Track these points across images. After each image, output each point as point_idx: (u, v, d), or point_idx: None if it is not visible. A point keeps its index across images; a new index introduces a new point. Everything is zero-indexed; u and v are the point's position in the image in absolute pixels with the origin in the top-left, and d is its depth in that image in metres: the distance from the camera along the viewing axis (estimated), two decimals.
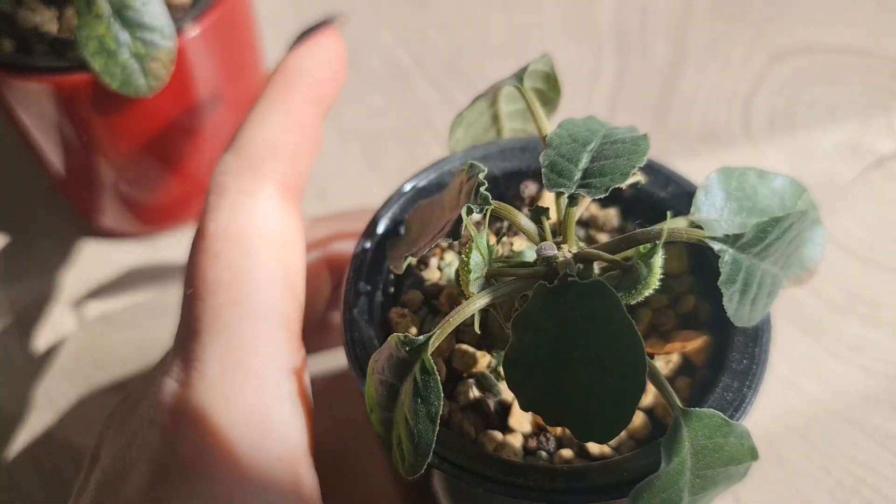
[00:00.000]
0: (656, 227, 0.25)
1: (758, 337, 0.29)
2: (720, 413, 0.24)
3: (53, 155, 0.47)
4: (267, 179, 0.29)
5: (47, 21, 0.44)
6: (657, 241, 0.24)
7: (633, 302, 0.25)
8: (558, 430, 0.29)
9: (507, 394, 0.29)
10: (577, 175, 0.26)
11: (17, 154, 0.56)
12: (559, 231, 0.27)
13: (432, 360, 0.24)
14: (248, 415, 0.26)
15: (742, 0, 0.63)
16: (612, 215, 0.34)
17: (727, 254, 0.25)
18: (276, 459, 0.26)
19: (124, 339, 0.48)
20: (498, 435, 0.28)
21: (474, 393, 0.29)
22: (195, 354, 0.27)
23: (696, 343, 0.30)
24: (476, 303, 0.26)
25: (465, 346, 0.30)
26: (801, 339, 0.46)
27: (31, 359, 0.48)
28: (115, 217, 0.51)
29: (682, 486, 0.24)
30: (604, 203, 0.34)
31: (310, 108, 0.30)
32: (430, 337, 0.25)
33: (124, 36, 0.41)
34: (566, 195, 0.26)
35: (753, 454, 0.25)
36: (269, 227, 0.28)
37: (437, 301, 0.32)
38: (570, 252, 0.26)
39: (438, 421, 0.24)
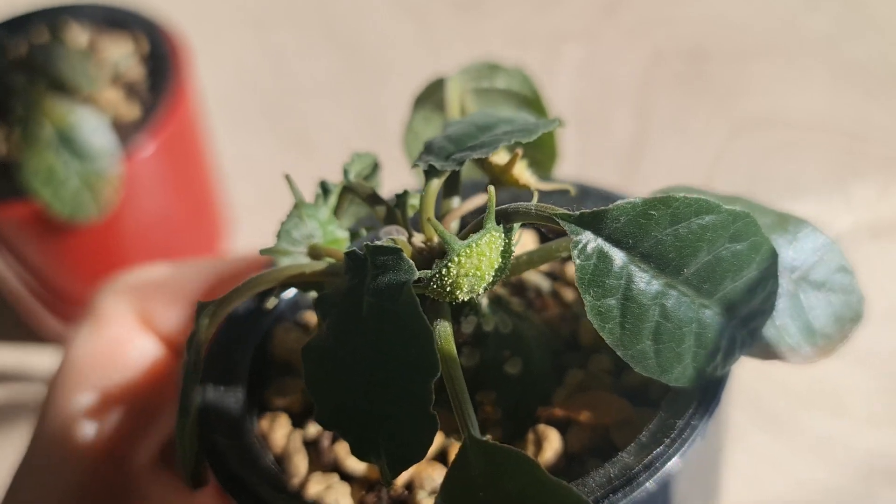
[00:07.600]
0: (509, 206, 0.21)
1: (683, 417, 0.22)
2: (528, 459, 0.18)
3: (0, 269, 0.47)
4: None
5: None
6: (486, 221, 0.21)
7: (445, 299, 0.21)
8: (399, 485, 0.24)
9: None
10: (452, 153, 0.23)
11: None
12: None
13: None
14: None
15: (701, 71, 0.63)
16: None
17: (583, 236, 0.19)
18: None
19: None
20: (331, 477, 0.24)
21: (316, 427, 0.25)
22: None
23: (605, 411, 0.23)
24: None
25: None
26: (759, 432, 0.46)
27: None
28: (64, 324, 0.50)
29: None
30: (544, 239, 0.29)
31: None
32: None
33: (74, 164, 0.41)
34: (422, 169, 0.23)
35: None
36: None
37: None
38: (423, 243, 0.22)
39: None
